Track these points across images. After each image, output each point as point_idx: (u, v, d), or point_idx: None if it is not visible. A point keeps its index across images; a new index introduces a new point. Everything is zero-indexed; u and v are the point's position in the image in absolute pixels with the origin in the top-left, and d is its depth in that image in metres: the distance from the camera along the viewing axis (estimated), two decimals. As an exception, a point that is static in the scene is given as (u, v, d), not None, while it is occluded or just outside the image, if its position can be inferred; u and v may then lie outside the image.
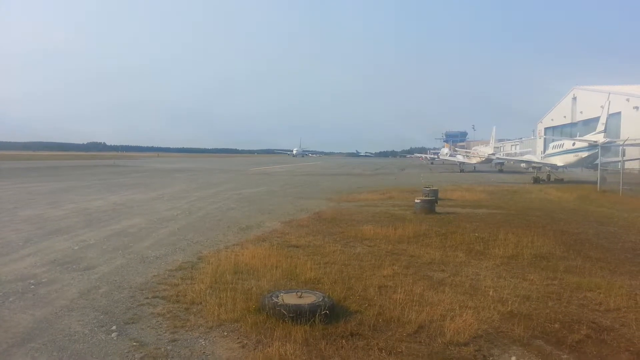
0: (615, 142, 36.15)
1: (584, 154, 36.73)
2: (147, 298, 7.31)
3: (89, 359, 5.33)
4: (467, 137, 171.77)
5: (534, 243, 11.44)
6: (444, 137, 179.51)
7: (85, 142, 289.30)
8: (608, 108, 36.69)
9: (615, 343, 5.78)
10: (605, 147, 34.33)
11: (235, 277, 8.27)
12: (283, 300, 6.37)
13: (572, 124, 72.48)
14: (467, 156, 71.14)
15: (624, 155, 31.09)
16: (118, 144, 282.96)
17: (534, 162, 44.92)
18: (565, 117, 77.18)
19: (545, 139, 70.15)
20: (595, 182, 30.01)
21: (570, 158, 38.75)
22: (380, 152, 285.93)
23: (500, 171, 60.05)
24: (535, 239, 11.83)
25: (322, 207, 19.02)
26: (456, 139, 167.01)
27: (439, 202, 19.45)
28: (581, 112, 69.72)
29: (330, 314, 6.19)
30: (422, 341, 5.74)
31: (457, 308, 6.78)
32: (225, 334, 5.96)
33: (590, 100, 63.26)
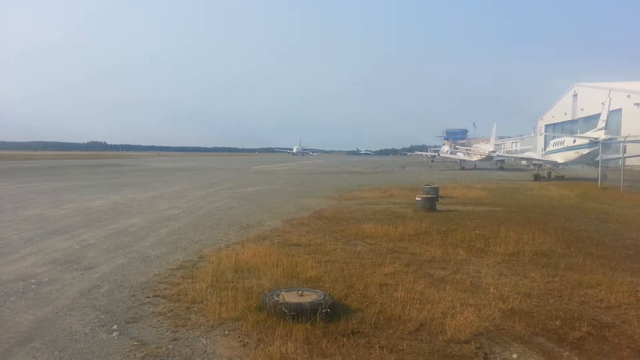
0: (616, 138, 36.15)
1: (585, 151, 36.69)
2: (148, 297, 7.31)
3: (90, 359, 5.33)
4: (467, 134, 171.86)
5: (535, 240, 11.44)
6: (445, 134, 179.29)
7: (85, 142, 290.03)
8: (609, 105, 36.63)
9: (617, 340, 5.77)
10: (606, 144, 34.30)
11: (236, 276, 8.27)
12: (284, 298, 6.36)
13: (573, 121, 72.34)
14: (467, 154, 71.08)
15: (624, 152, 31.06)
16: (119, 144, 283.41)
17: (534, 160, 44.87)
18: (565, 114, 77.05)
19: (545, 136, 70.05)
20: (596, 179, 30.00)
21: (571, 155, 38.72)
22: (381, 150, 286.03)
23: (501, 169, 60.04)
24: (536, 236, 11.83)
25: (322, 205, 19.01)
26: (457, 136, 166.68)
27: (439, 199, 19.44)
28: (582, 109, 69.61)
29: (331, 312, 6.19)
30: (423, 339, 5.74)
31: (458, 306, 6.78)
32: (227, 332, 5.96)
33: (591, 97, 63.18)
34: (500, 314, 6.52)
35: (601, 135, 34.77)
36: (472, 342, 5.64)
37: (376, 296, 7.22)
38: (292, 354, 5.26)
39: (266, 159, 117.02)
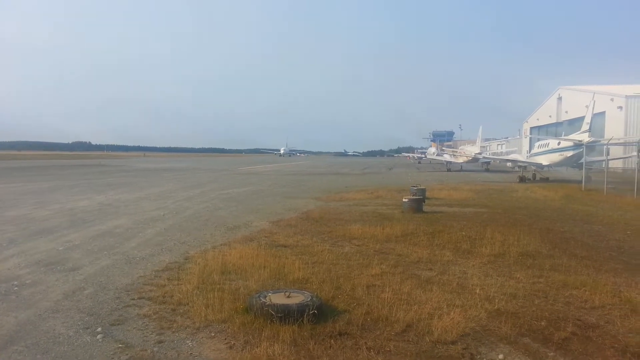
0: (599, 141, 36.62)
1: (569, 153, 37.12)
2: (133, 299, 7.23)
3: (74, 362, 5.25)
4: (454, 136, 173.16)
5: (520, 241, 11.54)
6: (431, 136, 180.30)
7: (70, 142, 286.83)
8: (593, 108, 37.14)
9: (601, 340, 5.84)
10: (590, 147, 34.75)
11: (223, 278, 8.22)
12: (271, 300, 6.34)
13: (558, 124, 73.30)
14: (454, 155, 71.53)
15: (608, 154, 31.54)
16: (104, 144, 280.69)
17: (519, 162, 45.32)
18: (550, 116, 78.02)
19: (530, 138, 70.82)
20: (580, 181, 30.38)
21: (556, 157, 39.15)
22: (368, 152, 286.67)
23: (487, 170, 60.49)
24: (521, 238, 11.93)
25: (310, 206, 19.00)
26: (443, 138, 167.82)
27: (426, 201, 19.54)
28: (566, 112, 70.54)
29: (318, 314, 6.17)
30: (410, 340, 5.75)
31: (445, 306, 6.80)
32: (213, 334, 5.92)
33: (576, 100, 64.02)
34: (486, 315, 6.56)
35: (585, 137, 35.22)
36: (459, 343, 5.67)
37: (363, 297, 7.22)
38: (279, 355, 5.24)
39: (253, 160, 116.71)
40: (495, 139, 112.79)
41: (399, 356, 5.35)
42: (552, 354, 5.47)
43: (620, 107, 54.62)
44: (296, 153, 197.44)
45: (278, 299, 6.42)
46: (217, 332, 5.97)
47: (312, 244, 11.19)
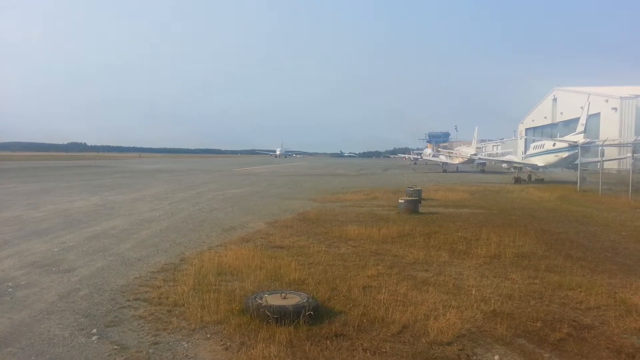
0: (594, 142, 36.77)
1: (564, 154, 37.25)
2: (129, 300, 7.21)
3: (69, 363, 5.22)
4: (449, 137, 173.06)
5: (516, 242, 11.57)
6: (427, 137, 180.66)
7: (65, 143, 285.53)
8: (588, 109, 37.30)
9: (596, 341, 5.86)
10: (585, 148, 34.89)
11: (219, 279, 8.20)
12: (267, 301, 6.32)
13: (553, 125, 73.51)
14: (449, 156, 71.70)
15: (603, 155, 31.62)
16: (99, 144, 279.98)
17: (515, 163, 45.44)
18: (545, 117, 78.24)
19: (526, 139, 71.04)
20: (575, 182, 30.51)
21: (551, 158, 39.28)
22: (364, 153, 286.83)
23: (482, 171, 60.66)
24: (516, 239, 11.97)
25: (306, 207, 18.99)
26: (439, 139, 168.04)
27: (422, 202, 19.55)
28: (561, 113, 70.74)
29: (314, 315, 6.17)
30: (406, 341, 5.75)
31: (441, 308, 6.81)
32: (209, 336, 5.90)
33: (571, 101, 64.23)
34: (482, 316, 6.57)
35: (580, 139, 35.35)
36: (455, 344, 5.67)
37: (359, 298, 7.22)
38: (275, 357, 5.23)
39: (249, 161, 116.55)
40: (491, 140, 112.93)
41: (395, 357, 5.35)
42: (547, 355, 5.49)
43: (615, 109, 54.80)
44: (292, 154, 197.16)
45: (274, 300, 6.40)
46: (213, 334, 5.96)
47: (309, 245, 11.18)
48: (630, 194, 23.39)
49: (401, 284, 8.01)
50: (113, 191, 25.75)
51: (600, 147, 33.03)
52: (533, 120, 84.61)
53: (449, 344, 5.68)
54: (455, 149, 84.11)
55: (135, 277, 8.47)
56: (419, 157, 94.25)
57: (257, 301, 6.34)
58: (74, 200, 21.03)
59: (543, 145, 41.83)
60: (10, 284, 8.05)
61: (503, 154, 68.10)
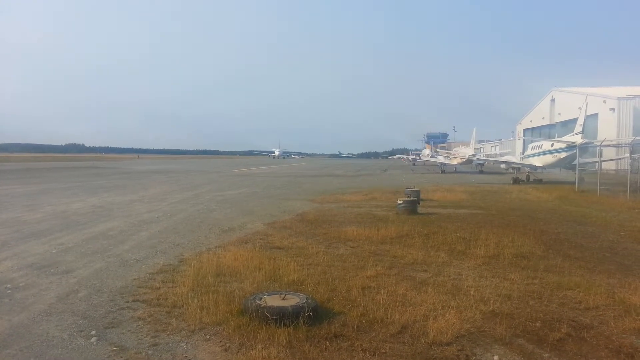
0: (592, 143, 36.82)
1: (562, 155, 37.30)
2: (128, 302, 7.20)
3: (68, 365, 5.21)
4: (448, 138, 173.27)
5: (515, 243, 11.58)
6: (426, 138, 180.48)
7: (63, 144, 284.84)
8: (585, 110, 37.34)
9: (595, 341, 5.86)
10: (583, 148, 34.94)
11: (218, 280, 8.20)
12: (266, 302, 6.32)
13: (551, 125, 73.56)
14: (448, 157, 71.76)
15: (601, 155, 31.64)
16: (97, 146, 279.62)
17: (513, 163, 45.52)
18: (543, 118, 78.34)
19: (524, 140, 71.14)
20: (573, 183, 30.56)
21: (549, 159, 39.33)
22: (363, 153, 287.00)
23: (481, 172, 60.67)
24: (515, 239, 11.97)
25: (305, 208, 18.98)
26: (437, 140, 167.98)
27: (421, 202, 19.56)
28: (559, 114, 70.84)
29: (313, 316, 6.16)
30: (406, 341, 5.75)
31: (440, 308, 6.81)
32: (208, 337, 5.90)
33: (568, 102, 64.30)
34: (481, 316, 6.57)
35: (578, 139, 35.40)
36: (454, 344, 5.68)
37: (359, 299, 7.22)
38: (275, 358, 5.23)
39: (248, 161, 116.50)
40: (489, 141, 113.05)
41: (395, 358, 5.35)
42: (546, 354, 5.49)
43: (613, 109, 54.91)
44: (290, 155, 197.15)
45: (273, 301, 6.40)
46: (212, 335, 5.95)
47: (307, 246, 11.18)
48: (628, 194, 23.43)
49: (400, 284, 8.01)
50: (111, 192, 25.71)
51: (598, 148, 33.07)
52: (531, 121, 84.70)
53: (448, 344, 5.68)
54: (454, 149, 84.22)
55: (134, 279, 8.46)
56: (417, 157, 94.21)
57: (256, 302, 6.34)
58: (72, 201, 21.00)
59: (541, 146, 41.89)
60: (8, 285, 8.04)
61: (501, 155, 68.24)
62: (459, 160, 65.61)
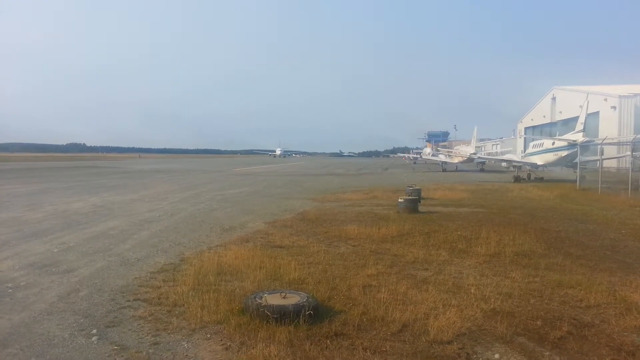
0: (593, 141, 36.74)
1: (564, 153, 37.25)
2: (129, 301, 7.20)
3: (69, 364, 5.22)
4: (449, 136, 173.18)
5: (516, 241, 11.56)
6: (426, 136, 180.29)
7: (64, 143, 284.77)
8: (587, 108, 37.30)
9: (596, 339, 5.86)
10: (584, 146, 34.89)
11: (219, 279, 8.20)
12: (267, 301, 6.32)
13: (552, 124, 73.46)
14: (449, 156, 71.59)
15: (602, 154, 31.60)
16: (98, 145, 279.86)
17: (514, 161, 45.43)
18: (545, 116, 78.22)
19: (525, 138, 71.02)
20: (574, 181, 30.52)
21: (550, 157, 39.28)
22: (364, 152, 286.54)
23: (482, 170, 60.64)
24: (516, 237, 11.96)
25: (306, 207, 18.98)
26: (438, 138, 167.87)
27: (422, 201, 19.55)
28: (560, 112, 70.71)
29: (314, 314, 6.16)
30: (407, 340, 5.75)
31: (441, 306, 6.81)
32: (209, 336, 5.90)
33: (569, 100, 64.18)
34: (482, 315, 6.57)
35: (579, 137, 35.35)
36: (455, 343, 5.67)
37: (359, 298, 7.22)
38: (275, 356, 5.22)
39: (249, 161, 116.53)
40: (490, 139, 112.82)
41: (395, 356, 5.35)
42: (547, 353, 5.48)
43: (614, 107, 54.81)
44: (291, 154, 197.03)
45: (274, 299, 6.40)
46: (213, 334, 5.95)
47: (308, 245, 11.18)
48: (629, 192, 23.41)
49: (401, 283, 8.01)
50: (112, 192, 25.73)
51: (599, 146, 33.03)
52: (532, 120, 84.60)
53: (449, 342, 5.67)
54: (455, 148, 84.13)
55: (135, 278, 8.47)
56: (418, 156, 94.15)
57: (257, 301, 6.33)
58: (73, 201, 21.01)
59: (542, 144, 41.83)
60: (10, 284, 8.05)
61: (502, 153, 68.11)
62: (460, 159, 65.51)
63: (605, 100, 55.98)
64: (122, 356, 5.36)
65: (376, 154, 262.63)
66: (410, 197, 18.56)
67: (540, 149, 41.56)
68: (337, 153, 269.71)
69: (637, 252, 10.99)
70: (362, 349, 5.48)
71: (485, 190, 28.53)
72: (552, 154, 39.05)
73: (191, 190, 27.47)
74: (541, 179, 38.86)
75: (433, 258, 10.01)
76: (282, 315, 6.01)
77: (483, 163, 64.31)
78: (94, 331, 6.03)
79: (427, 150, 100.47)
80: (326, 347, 5.49)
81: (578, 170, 31.19)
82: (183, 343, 5.70)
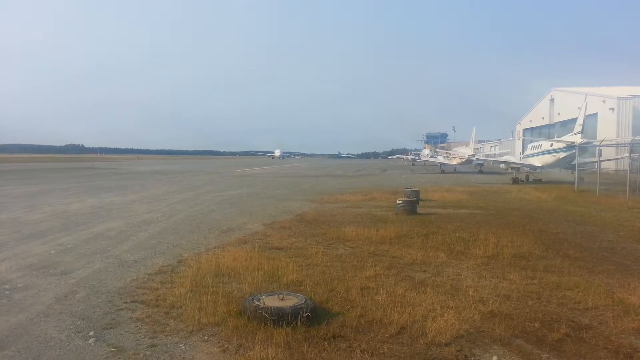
0: (592, 142, 36.82)
1: (562, 155, 37.30)
2: (126, 302, 7.19)
3: (66, 366, 5.20)
4: (447, 138, 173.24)
5: (514, 243, 11.57)
6: (425, 138, 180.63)
7: (63, 144, 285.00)
8: (585, 109, 37.34)
9: (594, 341, 5.85)
10: (582, 148, 34.95)
11: (216, 280, 8.18)
12: (265, 303, 6.31)
13: (550, 125, 73.58)
14: (447, 157, 71.69)
15: (600, 155, 31.69)
16: (97, 146, 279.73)
17: (512, 163, 45.49)
18: (543, 118, 78.35)
19: (523, 140, 71.19)
20: (572, 182, 30.54)
21: (548, 159, 39.33)
22: (362, 154, 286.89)
23: (480, 172, 60.65)
24: (514, 239, 11.97)
25: (304, 208, 18.97)
26: (437, 140, 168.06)
27: (420, 202, 19.56)
28: (559, 114, 70.84)
29: (312, 316, 6.15)
30: (404, 342, 5.74)
31: (439, 308, 6.80)
32: (206, 338, 5.89)
33: (568, 101, 64.31)
34: (480, 317, 6.56)
35: (578, 139, 35.39)
36: (453, 345, 5.67)
37: (357, 300, 7.21)
38: (273, 359, 5.22)
39: (248, 162, 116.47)
40: (489, 141, 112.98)
41: (393, 358, 5.35)
42: (545, 355, 5.48)
43: (612, 109, 54.89)
44: (290, 155, 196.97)
45: (272, 301, 6.39)
46: (211, 336, 5.94)
47: (306, 246, 11.17)
48: (627, 194, 23.43)
49: (399, 285, 8.00)
50: (111, 193, 25.70)
51: (597, 148, 33.11)
52: (531, 121, 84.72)
53: (447, 344, 5.67)
54: (453, 149, 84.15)
55: (133, 279, 8.45)
56: (417, 157, 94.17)
57: (254, 303, 6.32)
58: (72, 202, 20.99)
59: (541, 146, 41.89)
60: (7, 286, 8.03)
61: (501, 155, 68.11)
62: (459, 161, 65.54)
63: (604, 101, 56.06)
64: (119, 358, 5.35)
65: (375, 155, 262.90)
66: (408, 199, 18.55)
67: (539, 150, 41.62)
68: (335, 154, 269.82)
69: (635, 254, 10.99)
70: (360, 351, 5.47)
71: (484, 191, 28.54)
72: (550, 155, 39.09)
73: (190, 191, 27.44)
74: (539, 181, 38.89)
75: (431, 260, 10.01)
76: (280, 317, 6.00)
77: (481, 164, 64.33)
78: (91, 333, 6.01)
79: (426, 151, 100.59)
80: (324, 349, 5.48)
81: (576, 172, 31.22)
82: (180, 345, 5.68)
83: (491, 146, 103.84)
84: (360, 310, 6.71)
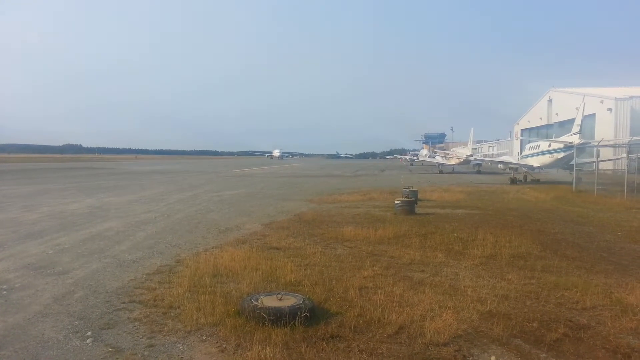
0: (590, 143, 36.85)
1: (560, 155, 37.34)
2: (124, 303, 7.17)
3: (63, 366, 5.19)
4: (445, 138, 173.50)
5: (512, 243, 11.58)
6: (423, 138, 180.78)
7: (60, 145, 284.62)
8: (583, 110, 37.39)
9: (592, 341, 5.86)
10: (580, 148, 34.97)
11: (214, 280, 8.17)
12: (263, 303, 6.30)
13: (548, 126, 73.71)
14: (445, 157, 71.76)
15: (598, 156, 31.71)
16: (95, 146, 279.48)
17: (510, 163, 45.56)
18: (541, 118, 78.49)
19: (521, 140, 71.23)
20: (570, 183, 30.57)
21: (546, 159, 39.37)
22: (361, 154, 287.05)
23: (478, 172, 60.72)
24: (512, 239, 11.97)
25: (302, 208, 18.96)
26: (435, 140, 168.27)
27: (418, 203, 19.57)
28: (557, 114, 70.98)
29: (310, 316, 6.14)
30: (403, 342, 5.74)
31: (437, 308, 6.80)
32: (204, 338, 5.88)
33: (566, 102, 64.47)
34: (478, 316, 6.56)
35: (575, 139, 35.43)
36: (451, 345, 5.67)
37: (356, 299, 7.20)
38: (271, 359, 5.21)
39: (246, 162, 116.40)
40: (487, 141, 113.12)
41: (392, 358, 5.34)
42: (544, 355, 5.48)
43: (610, 109, 55.04)
44: (289, 155, 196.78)
45: (270, 301, 6.38)
46: (209, 336, 5.93)
47: (305, 246, 11.16)
48: (625, 194, 23.46)
49: (397, 284, 8.00)
50: (109, 193, 25.66)
51: (595, 148, 33.14)
52: (529, 121, 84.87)
53: (445, 344, 5.67)
54: (452, 150, 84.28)
55: (131, 279, 8.43)
56: (415, 158, 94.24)
57: (253, 303, 6.31)
58: (69, 202, 20.95)
59: (539, 146, 41.93)
60: (4, 286, 8.00)
61: (499, 155, 68.18)
62: (457, 161, 65.61)
63: (602, 102, 56.20)
64: (117, 358, 5.34)
65: (373, 155, 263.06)
66: (407, 199, 18.55)
67: (537, 151, 41.67)
68: (334, 154, 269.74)
69: (633, 254, 11.01)
70: (359, 351, 5.46)
71: (482, 192, 28.56)
72: (548, 156, 39.14)
73: (188, 191, 27.41)
74: (537, 181, 38.94)
75: (429, 260, 10.01)
76: (278, 317, 6.00)
77: (480, 165, 64.40)
78: (89, 333, 6.00)
79: (424, 152, 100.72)
80: (322, 349, 5.48)
81: (574, 172, 31.25)
82: (178, 345, 5.67)
83: (489, 146, 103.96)
84: (358, 310, 6.70)
